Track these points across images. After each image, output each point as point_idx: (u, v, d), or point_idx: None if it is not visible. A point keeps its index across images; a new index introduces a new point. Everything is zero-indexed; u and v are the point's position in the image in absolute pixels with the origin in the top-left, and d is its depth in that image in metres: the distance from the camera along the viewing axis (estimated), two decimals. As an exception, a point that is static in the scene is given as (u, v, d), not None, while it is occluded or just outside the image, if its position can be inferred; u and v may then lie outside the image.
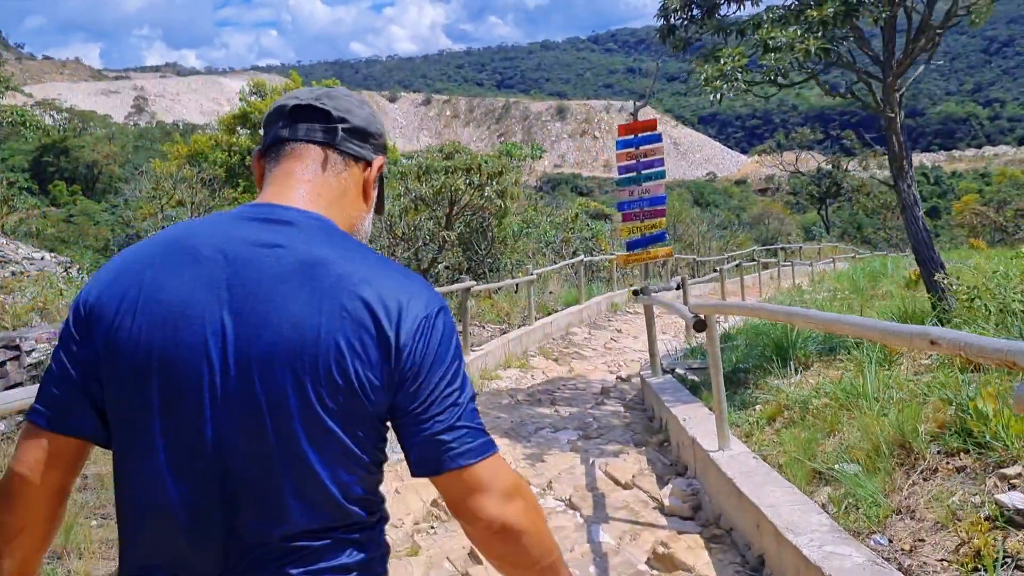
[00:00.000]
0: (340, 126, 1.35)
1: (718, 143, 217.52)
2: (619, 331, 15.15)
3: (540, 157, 16.53)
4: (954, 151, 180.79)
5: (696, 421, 5.67)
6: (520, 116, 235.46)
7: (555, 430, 7.64)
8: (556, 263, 18.17)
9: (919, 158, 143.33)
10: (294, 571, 1.18)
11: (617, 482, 5.67)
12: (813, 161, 58.52)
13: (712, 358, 4.73)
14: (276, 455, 1.17)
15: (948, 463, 3.86)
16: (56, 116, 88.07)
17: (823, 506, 3.86)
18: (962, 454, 3.87)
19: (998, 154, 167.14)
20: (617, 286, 19.33)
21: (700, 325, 4.62)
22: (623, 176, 7.69)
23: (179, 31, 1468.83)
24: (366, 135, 1.39)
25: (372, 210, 1.45)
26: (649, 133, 7.62)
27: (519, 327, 12.91)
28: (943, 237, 59.38)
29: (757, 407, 5.90)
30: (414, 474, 1.25)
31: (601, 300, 16.96)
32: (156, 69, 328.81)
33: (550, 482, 5.75)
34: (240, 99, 34.59)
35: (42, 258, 13.47)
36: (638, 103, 7.75)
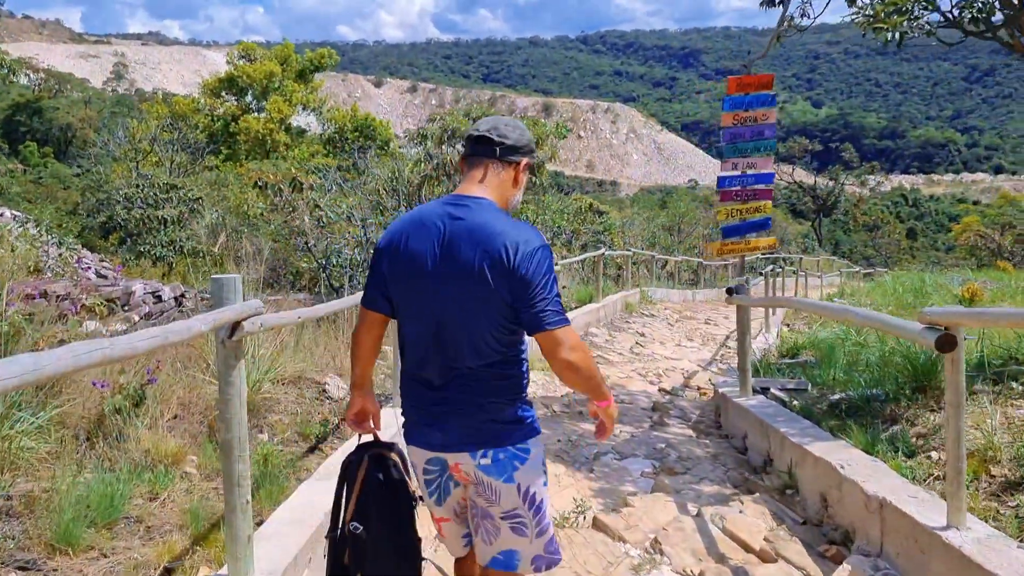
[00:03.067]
0: (498, 147, 2.53)
1: (700, 151, 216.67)
2: (641, 335, 13.64)
3: (565, 136, 14.86)
4: (932, 175, 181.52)
5: (862, 470, 4.14)
6: (506, 110, 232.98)
7: (621, 456, 6.11)
8: (565, 256, 16.61)
9: (898, 179, 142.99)
10: (483, 377, 2.41)
11: (748, 548, 4.14)
12: (801, 173, 57.23)
13: (954, 394, 3.18)
14: (463, 323, 2.40)
15: None
16: (32, 76, 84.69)
17: None
18: None
19: (975, 181, 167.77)
20: (628, 285, 17.87)
21: (948, 342, 3.06)
22: (728, 144, 6.11)
23: (163, 1, 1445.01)
24: (516, 149, 2.56)
25: (521, 189, 2.64)
26: (763, 93, 6.05)
27: (537, 324, 11.36)
28: (919, 259, 58.28)
29: (932, 454, 4.39)
30: (527, 334, 2.44)
31: (616, 299, 15.48)
32: (138, 37, 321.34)
33: (656, 540, 4.19)
34: (228, 62, 32.65)
35: (1, 214, 12.00)
36: (752, 56, 6.17)
